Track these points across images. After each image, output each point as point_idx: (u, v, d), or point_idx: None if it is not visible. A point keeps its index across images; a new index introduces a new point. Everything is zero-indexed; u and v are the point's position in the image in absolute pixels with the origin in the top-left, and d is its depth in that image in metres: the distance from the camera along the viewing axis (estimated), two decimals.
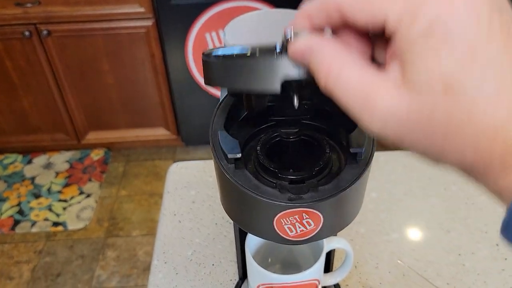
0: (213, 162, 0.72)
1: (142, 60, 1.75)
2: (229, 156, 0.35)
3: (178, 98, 1.86)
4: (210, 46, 1.70)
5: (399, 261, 0.60)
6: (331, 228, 0.36)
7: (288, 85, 0.30)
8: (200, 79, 1.79)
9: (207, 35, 1.67)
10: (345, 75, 0.23)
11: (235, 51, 0.28)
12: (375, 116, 0.22)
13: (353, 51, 0.24)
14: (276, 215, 0.34)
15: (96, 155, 2.06)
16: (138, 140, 2.01)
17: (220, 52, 0.30)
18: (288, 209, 0.33)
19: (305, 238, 0.36)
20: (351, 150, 0.35)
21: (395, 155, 0.77)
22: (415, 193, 0.70)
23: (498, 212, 0.67)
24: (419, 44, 0.20)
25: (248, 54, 0.27)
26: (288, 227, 0.35)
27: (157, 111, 1.92)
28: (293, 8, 0.53)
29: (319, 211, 0.33)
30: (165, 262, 0.61)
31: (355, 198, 0.37)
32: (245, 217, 0.37)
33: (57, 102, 1.84)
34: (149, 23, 1.65)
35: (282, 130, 0.39)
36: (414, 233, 0.65)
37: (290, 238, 0.36)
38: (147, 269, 1.62)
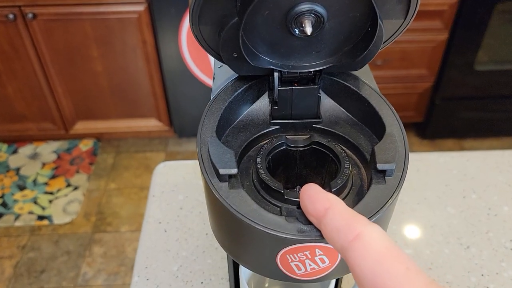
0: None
1: (133, 46, 1.66)
2: (221, 172, 0.27)
3: (171, 87, 1.77)
4: None
5: None
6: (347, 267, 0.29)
7: None
8: (195, 68, 1.70)
9: None
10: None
11: None
12: None
13: None
14: (281, 250, 0.26)
15: (85, 145, 1.97)
16: (129, 131, 1.93)
17: None
18: (297, 243, 0.25)
19: (316, 277, 0.28)
20: (379, 167, 0.27)
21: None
22: (430, 202, 0.63)
23: None
24: None
25: None
26: (296, 265, 0.27)
27: (148, 101, 1.84)
28: None
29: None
30: (147, 279, 0.53)
31: (381, 226, 0.29)
32: (240, 250, 0.29)
33: (43, 89, 1.75)
34: (141, 8, 1.55)
35: (288, 137, 0.31)
36: (430, 249, 0.57)
37: (297, 277, 0.28)
38: None
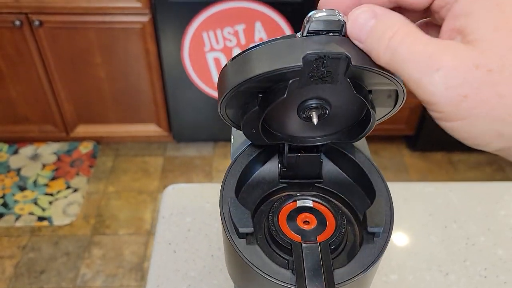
0: (211, 189, 0.70)
1: (136, 55, 1.71)
2: (241, 231, 0.33)
3: (171, 95, 1.83)
4: (207, 46, 1.66)
5: None
6: None
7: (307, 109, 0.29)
8: (195, 77, 1.76)
9: (204, 35, 1.63)
10: (412, 37, 0.22)
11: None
12: (437, 75, 0.21)
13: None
14: None
15: (85, 148, 2.02)
16: (128, 135, 1.98)
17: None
18: None
19: None
20: (369, 230, 0.33)
21: (395, 187, 0.75)
22: (415, 231, 0.69)
23: (498, 255, 0.67)
24: (482, 3, 0.20)
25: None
26: None
27: (149, 107, 1.89)
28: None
29: None
30: None
31: (370, 277, 0.35)
32: None
33: (46, 93, 1.80)
34: (145, 19, 1.60)
35: (298, 195, 0.37)
36: (413, 275, 0.64)
37: None
38: (133, 269, 1.60)
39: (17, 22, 1.57)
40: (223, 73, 0.30)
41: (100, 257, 1.63)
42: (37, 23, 1.58)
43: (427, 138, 1.99)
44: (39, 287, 1.54)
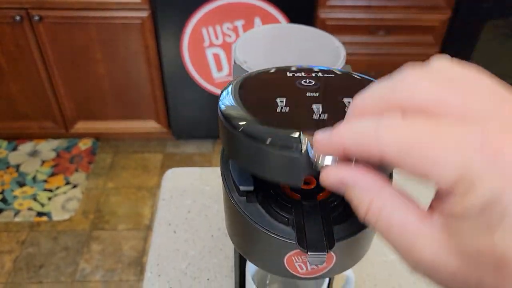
0: (210, 173, 0.70)
1: (135, 51, 1.71)
2: (242, 188, 0.33)
3: (171, 91, 1.83)
4: (207, 41, 1.67)
5: None
6: (343, 266, 0.35)
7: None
8: (194, 73, 1.76)
9: (204, 30, 1.64)
10: (387, 216, 0.21)
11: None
12: (419, 266, 0.21)
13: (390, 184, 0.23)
14: (288, 253, 0.33)
15: (84, 144, 2.02)
16: (127, 132, 1.98)
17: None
18: None
19: (315, 275, 0.35)
20: None
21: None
22: None
23: None
24: (472, 217, 0.18)
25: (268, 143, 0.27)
26: (299, 265, 0.34)
27: (148, 104, 1.89)
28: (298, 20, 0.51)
29: (333, 251, 0.32)
30: (159, 275, 0.59)
31: (369, 236, 0.35)
32: (253, 251, 0.36)
33: (46, 89, 1.80)
34: (144, 14, 1.61)
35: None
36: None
37: (299, 275, 0.35)
38: (132, 264, 1.60)
39: (17, 18, 1.58)
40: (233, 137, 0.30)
41: (99, 252, 1.63)
42: (37, 18, 1.58)
43: None
44: (38, 282, 1.54)
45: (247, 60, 0.45)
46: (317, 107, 0.30)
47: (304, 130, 0.27)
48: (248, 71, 0.44)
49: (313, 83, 0.34)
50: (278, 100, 0.31)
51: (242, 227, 0.34)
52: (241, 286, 0.54)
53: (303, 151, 0.26)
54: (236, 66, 0.45)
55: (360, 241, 0.34)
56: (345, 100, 0.31)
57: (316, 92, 0.33)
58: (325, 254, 0.29)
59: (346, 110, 0.26)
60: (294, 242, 0.31)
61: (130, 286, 1.54)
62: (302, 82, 0.34)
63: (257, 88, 0.35)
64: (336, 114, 0.29)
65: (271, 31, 0.50)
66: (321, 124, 0.28)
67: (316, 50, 0.48)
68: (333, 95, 0.33)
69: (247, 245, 0.36)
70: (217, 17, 1.61)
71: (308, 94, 0.32)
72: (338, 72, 0.36)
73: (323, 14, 1.64)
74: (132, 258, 1.62)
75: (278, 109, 0.30)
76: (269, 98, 0.32)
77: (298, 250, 0.32)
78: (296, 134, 0.27)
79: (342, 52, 0.46)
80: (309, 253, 0.29)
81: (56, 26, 1.63)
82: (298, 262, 0.33)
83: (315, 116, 0.30)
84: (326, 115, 0.30)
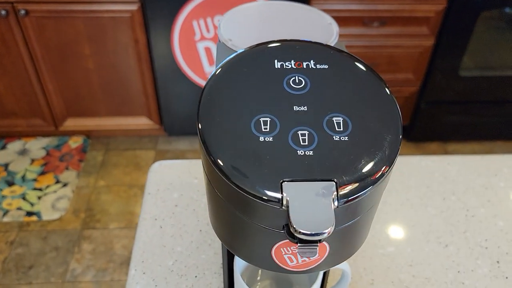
0: (200, 165, 0.66)
1: (125, 45, 1.67)
2: None
3: (162, 86, 1.79)
4: (198, 35, 1.63)
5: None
6: (336, 259, 0.32)
7: None
8: (186, 68, 1.72)
9: (195, 23, 1.60)
10: None
11: None
12: None
13: None
14: (276, 243, 0.29)
15: (74, 142, 1.98)
16: (118, 128, 1.94)
17: None
18: None
19: (306, 268, 0.31)
20: None
21: None
22: (412, 203, 0.67)
23: (499, 226, 0.64)
24: None
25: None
26: (289, 257, 0.30)
27: (139, 100, 1.85)
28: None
29: (326, 242, 0.29)
30: (144, 273, 0.56)
31: (366, 226, 0.32)
32: (238, 242, 0.32)
33: (34, 86, 1.76)
34: (134, 7, 1.57)
35: None
36: (411, 247, 0.61)
37: (289, 268, 0.31)
38: (124, 263, 1.56)
39: (3, 12, 1.54)
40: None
41: (90, 252, 1.59)
42: (23, 12, 1.54)
43: (422, 128, 1.97)
44: (28, 283, 1.50)
45: (232, 38, 0.42)
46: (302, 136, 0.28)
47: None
48: (233, 50, 0.40)
49: (302, 84, 0.31)
50: (261, 121, 0.29)
51: (225, 215, 0.31)
52: (230, 284, 0.51)
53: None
54: (220, 44, 0.42)
55: (356, 229, 0.30)
56: (335, 119, 0.29)
57: (304, 105, 0.30)
58: (317, 245, 0.26)
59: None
60: (283, 231, 0.28)
61: (121, 286, 1.50)
62: (291, 82, 0.31)
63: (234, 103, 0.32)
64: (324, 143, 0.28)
65: (259, 7, 0.47)
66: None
67: (308, 27, 0.44)
68: (323, 107, 0.30)
69: (231, 236, 0.33)
70: (207, 9, 1.57)
71: (295, 108, 0.30)
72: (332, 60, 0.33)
73: (316, 5, 1.61)
74: (124, 258, 1.58)
75: (261, 139, 0.28)
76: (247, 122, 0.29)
77: (287, 240, 0.29)
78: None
79: (335, 29, 0.43)
80: (299, 244, 0.26)
81: (42, 21, 1.58)
82: (288, 253, 0.30)
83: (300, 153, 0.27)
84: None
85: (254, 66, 0.33)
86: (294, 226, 0.25)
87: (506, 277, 0.57)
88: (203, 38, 1.64)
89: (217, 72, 0.32)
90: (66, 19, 1.59)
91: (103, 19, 1.59)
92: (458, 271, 0.58)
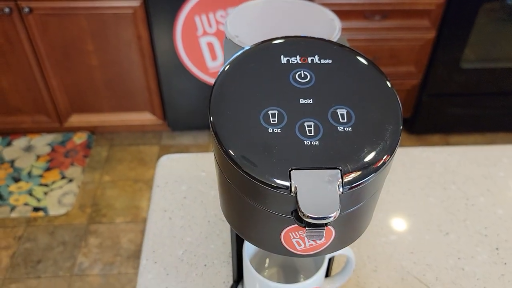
0: (207, 159, 0.68)
1: (128, 41, 1.69)
2: None
3: (165, 82, 1.81)
4: (200, 30, 1.64)
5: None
6: (342, 243, 0.34)
7: None
8: (188, 63, 1.74)
9: (197, 18, 1.61)
10: None
11: None
12: None
13: None
14: (285, 228, 0.31)
15: (79, 138, 2.00)
16: (122, 124, 1.96)
17: None
18: None
19: (313, 252, 0.33)
20: None
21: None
22: (414, 193, 0.68)
23: (498, 215, 0.66)
24: None
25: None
26: (297, 241, 0.32)
27: (143, 95, 1.87)
28: None
29: (332, 226, 0.31)
30: (155, 262, 0.58)
31: (369, 211, 0.34)
32: (248, 228, 0.34)
33: (38, 82, 1.77)
34: (136, 3, 1.58)
35: None
36: (413, 235, 0.63)
37: (297, 252, 0.33)
38: (130, 256, 1.59)
39: (7, 9, 1.55)
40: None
41: (97, 246, 1.62)
42: (26, 9, 1.56)
43: (424, 121, 1.98)
44: (37, 277, 1.53)
45: (239, 34, 0.43)
46: (309, 127, 0.30)
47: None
48: (240, 46, 0.42)
49: (307, 78, 0.33)
50: (269, 113, 0.30)
51: (236, 202, 0.33)
52: (239, 271, 0.53)
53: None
54: (227, 41, 0.43)
55: (359, 214, 0.32)
56: (339, 111, 0.31)
57: (309, 98, 0.32)
58: (323, 229, 0.28)
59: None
60: (291, 216, 0.30)
61: (129, 279, 1.53)
62: (297, 76, 0.33)
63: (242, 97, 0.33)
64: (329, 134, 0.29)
65: (264, 4, 0.48)
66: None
67: (311, 23, 0.46)
68: (328, 100, 0.32)
69: (241, 222, 0.35)
70: (209, 4, 1.58)
71: (301, 101, 0.31)
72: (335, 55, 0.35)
73: None
74: (131, 251, 1.60)
75: (270, 130, 0.30)
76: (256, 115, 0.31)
77: (295, 225, 0.30)
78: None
79: (338, 24, 0.44)
80: (306, 228, 0.28)
81: (46, 18, 1.60)
82: (296, 238, 0.32)
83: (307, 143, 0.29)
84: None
85: (261, 62, 0.34)
86: (303, 211, 0.26)
87: (505, 263, 0.59)
88: (205, 33, 1.65)
89: (226, 68, 0.34)
90: (69, 16, 1.60)
91: (106, 16, 1.61)
92: (459, 258, 0.60)
